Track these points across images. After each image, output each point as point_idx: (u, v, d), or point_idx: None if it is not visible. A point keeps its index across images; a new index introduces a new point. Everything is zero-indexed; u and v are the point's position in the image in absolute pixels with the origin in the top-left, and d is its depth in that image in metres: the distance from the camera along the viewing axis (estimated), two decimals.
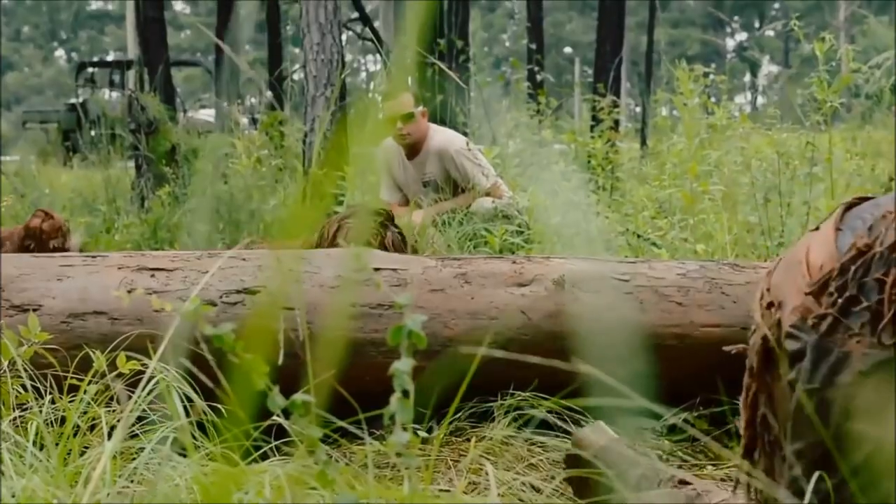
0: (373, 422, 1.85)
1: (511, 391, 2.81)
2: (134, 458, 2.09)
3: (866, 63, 5.69)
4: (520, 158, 7.44)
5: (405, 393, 1.50)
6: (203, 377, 1.84)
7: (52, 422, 2.29)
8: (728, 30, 55.91)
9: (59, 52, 61.77)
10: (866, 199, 1.78)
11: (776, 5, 53.79)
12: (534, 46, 14.55)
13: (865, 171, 6.00)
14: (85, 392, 2.33)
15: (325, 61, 7.57)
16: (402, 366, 1.49)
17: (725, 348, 2.17)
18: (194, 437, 2.16)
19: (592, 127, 10.69)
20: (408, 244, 3.70)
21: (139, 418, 2.20)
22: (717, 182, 5.72)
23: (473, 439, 2.66)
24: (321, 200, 3.30)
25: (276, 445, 2.25)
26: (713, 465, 2.73)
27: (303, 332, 2.57)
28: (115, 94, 21.53)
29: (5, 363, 2.36)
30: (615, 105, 10.83)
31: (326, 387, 1.70)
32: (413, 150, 5.86)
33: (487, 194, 5.84)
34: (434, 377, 2.23)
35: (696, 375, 2.92)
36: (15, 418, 2.27)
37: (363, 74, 34.22)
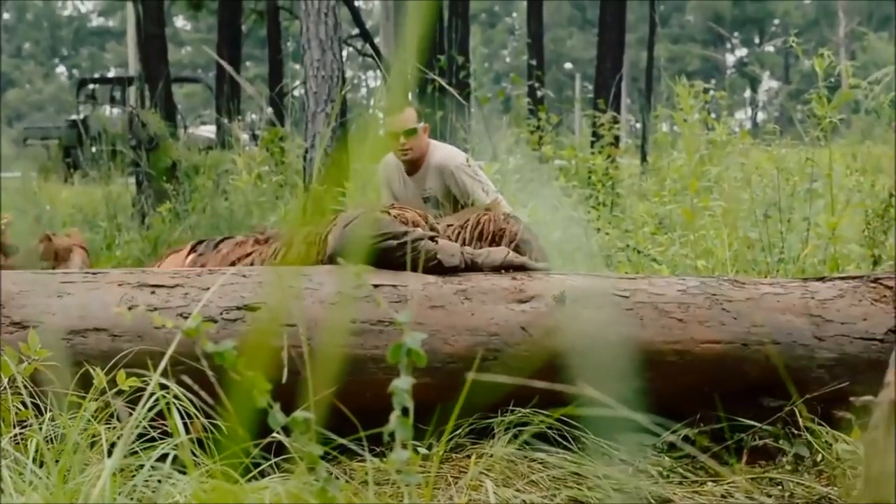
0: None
1: (511, 408, 2.80)
2: (134, 476, 2.09)
3: (866, 79, 5.69)
4: (520, 174, 7.44)
5: (405, 410, 1.50)
6: (203, 394, 1.84)
7: (52, 439, 2.29)
8: (728, 46, 55.99)
9: (60, 69, 61.84)
10: None
11: (776, 21, 53.87)
12: (534, 62, 14.57)
13: (865, 187, 6.00)
14: (85, 409, 2.32)
15: (325, 77, 7.58)
16: (402, 383, 1.49)
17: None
18: (194, 454, 2.16)
19: (593, 143, 10.70)
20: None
21: (139, 435, 2.20)
22: (717, 198, 5.73)
23: (473, 456, 2.66)
24: (322, 216, 3.30)
25: (275, 462, 2.25)
26: (713, 481, 2.73)
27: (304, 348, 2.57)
28: (115, 111, 21.55)
29: (5, 380, 2.36)
30: (615, 121, 10.84)
31: (326, 403, 1.70)
32: (413, 165, 5.85)
33: (487, 210, 5.82)
34: (434, 393, 2.23)
35: (697, 391, 2.92)
36: (15, 435, 2.27)
37: (364, 90, 34.28)
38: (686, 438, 2.79)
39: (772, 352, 2.91)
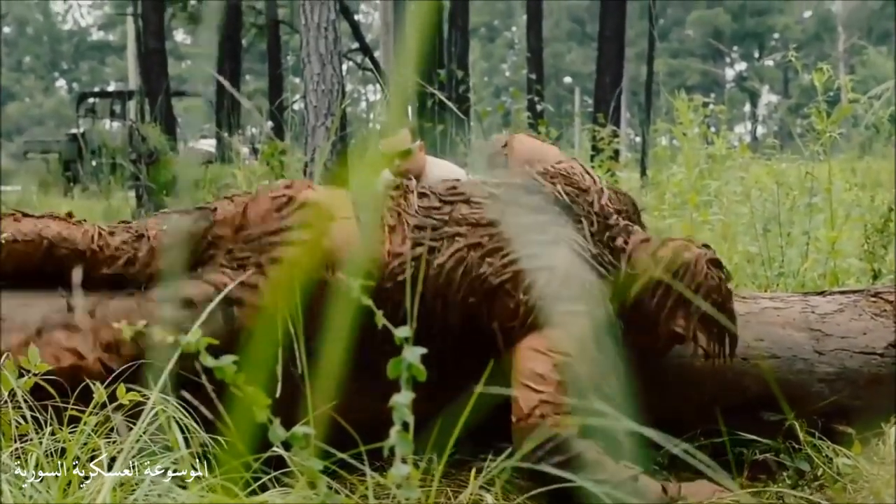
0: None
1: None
2: (134, 490, 2.08)
3: (865, 93, 5.70)
4: None
5: (405, 426, 1.49)
6: (203, 408, 1.84)
7: (52, 453, 2.28)
8: (727, 60, 56.13)
9: (61, 83, 62.01)
10: None
11: (776, 36, 54.01)
12: (534, 76, 14.61)
13: (865, 202, 6.01)
14: (85, 423, 2.32)
15: (325, 91, 7.59)
16: (402, 398, 1.49)
17: None
18: (194, 468, 2.16)
19: (592, 157, 10.71)
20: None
21: (140, 449, 2.19)
22: (716, 212, 5.73)
23: (473, 470, 2.65)
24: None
25: (275, 476, 2.25)
26: None
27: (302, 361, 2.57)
28: (115, 125, 21.58)
29: (5, 394, 2.35)
30: (615, 135, 10.86)
31: (327, 418, 1.70)
32: None
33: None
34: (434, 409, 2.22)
35: (697, 405, 2.91)
36: (15, 449, 2.26)
37: (364, 104, 34.32)
38: (685, 453, 2.78)
39: (772, 366, 2.91)
